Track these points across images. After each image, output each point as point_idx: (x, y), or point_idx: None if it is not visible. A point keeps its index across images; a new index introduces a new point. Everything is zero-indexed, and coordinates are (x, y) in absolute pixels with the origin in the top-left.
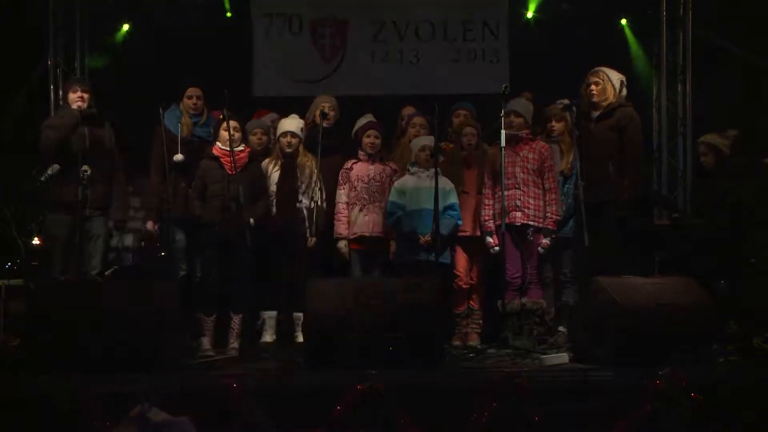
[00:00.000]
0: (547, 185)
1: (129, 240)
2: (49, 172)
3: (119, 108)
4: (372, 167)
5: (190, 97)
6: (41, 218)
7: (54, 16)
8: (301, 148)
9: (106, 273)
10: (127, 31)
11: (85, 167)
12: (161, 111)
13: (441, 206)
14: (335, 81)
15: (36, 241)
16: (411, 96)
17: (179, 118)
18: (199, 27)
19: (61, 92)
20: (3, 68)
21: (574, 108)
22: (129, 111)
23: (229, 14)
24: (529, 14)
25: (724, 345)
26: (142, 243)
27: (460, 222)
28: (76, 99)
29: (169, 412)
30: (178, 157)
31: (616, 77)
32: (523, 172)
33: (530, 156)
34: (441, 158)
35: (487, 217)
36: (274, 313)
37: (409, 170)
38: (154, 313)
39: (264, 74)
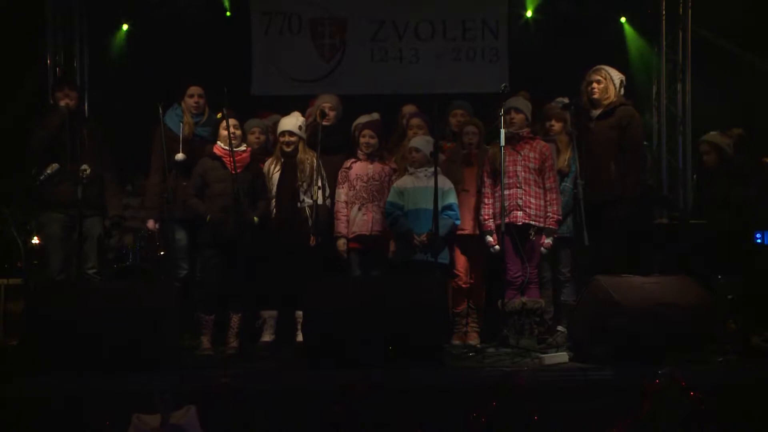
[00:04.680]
0: (548, 184)
1: (129, 239)
2: (48, 171)
3: (119, 107)
4: (371, 166)
5: (191, 96)
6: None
7: (53, 15)
8: (301, 146)
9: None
10: (126, 30)
11: (84, 166)
12: (160, 110)
13: (439, 206)
14: (334, 80)
15: (36, 240)
16: (410, 95)
17: (180, 117)
18: (198, 25)
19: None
20: (2, 68)
21: (572, 107)
22: (129, 110)
23: (228, 13)
24: (528, 13)
25: (723, 344)
26: (142, 243)
27: (458, 222)
28: (63, 98)
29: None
30: (180, 156)
31: (617, 76)
32: (525, 171)
33: (531, 155)
34: (442, 157)
35: (486, 216)
36: (274, 312)
37: (407, 170)
38: (153, 313)
39: (263, 73)
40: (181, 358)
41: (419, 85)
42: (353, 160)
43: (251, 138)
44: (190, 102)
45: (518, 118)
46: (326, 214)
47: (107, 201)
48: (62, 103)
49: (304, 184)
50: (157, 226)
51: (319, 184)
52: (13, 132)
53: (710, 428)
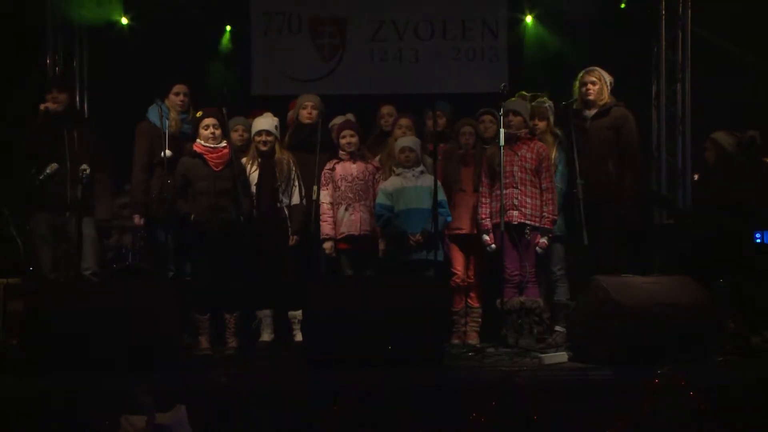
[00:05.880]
0: (544, 185)
1: (128, 239)
2: (48, 171)
3: (118, 106)
4: (354, 166)
5: (177, 94)
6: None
7: (52, 16)
8: (277, 146)
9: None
10: (125, 25)
11: (84, 166)
12: (160, 109)
13: (429, 205)
14: (334, 80)
15: None
16: (410, 95)
17: (166, 114)
18: (198, 25)
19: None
20: (2, 68)
21: (571, 106)
22: (127, 108)
23: (229, 27)
24: (528, 19)
25: (722, 344)
26: (142, 242)
27: (449, 219)
28: (50, 101)
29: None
30: (168, 153)
31: (607, 77)
32: (521, 172)
33: (528, 155)
34: (438, 157)
35: (484, 216)
36: (269, 311)
37: (394, 171)
38: (152, 312)
39: (263, 73)
40: (180, 358)
41: (419, 85)
42: (336, 160)
43: (234, 135)
44: (175, 100)
45: (516, 120)
46: (303, 213)
47: (97, 204)
48: (43, 107)
49: (282, 185)
50: (142, 221)
51: (295, 183)
52: (13, 132)
53: (710, 428)
